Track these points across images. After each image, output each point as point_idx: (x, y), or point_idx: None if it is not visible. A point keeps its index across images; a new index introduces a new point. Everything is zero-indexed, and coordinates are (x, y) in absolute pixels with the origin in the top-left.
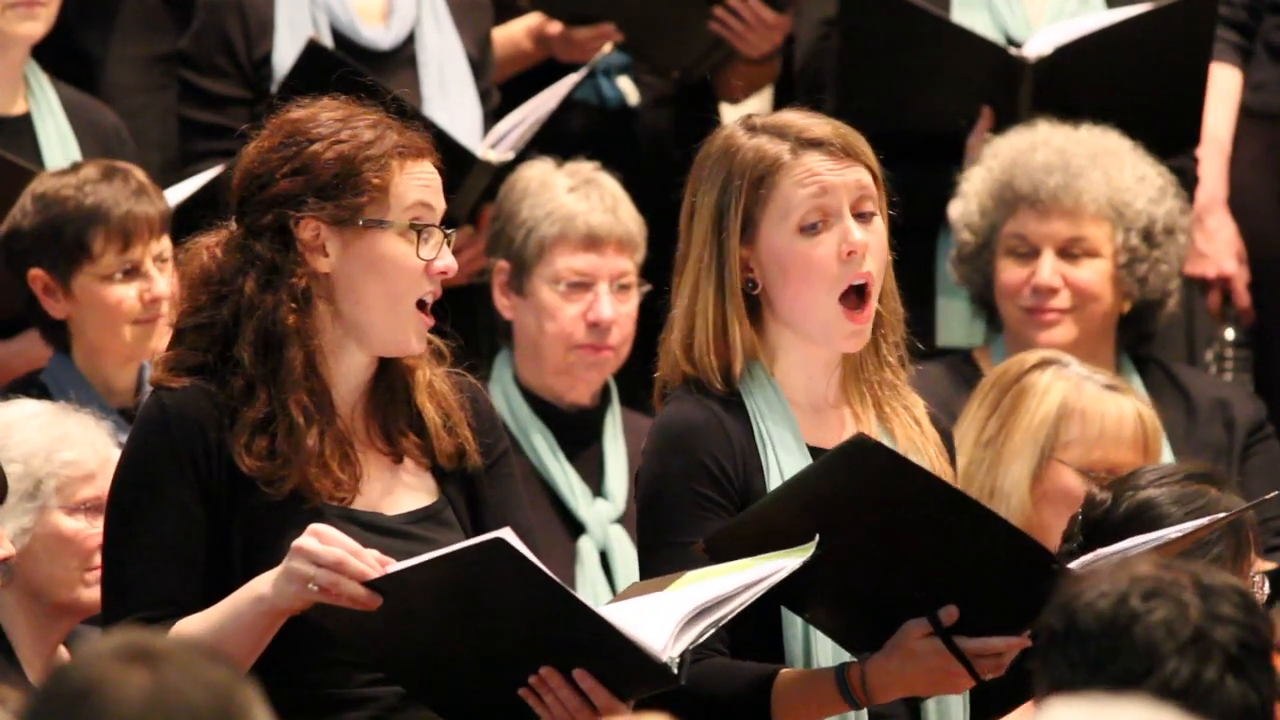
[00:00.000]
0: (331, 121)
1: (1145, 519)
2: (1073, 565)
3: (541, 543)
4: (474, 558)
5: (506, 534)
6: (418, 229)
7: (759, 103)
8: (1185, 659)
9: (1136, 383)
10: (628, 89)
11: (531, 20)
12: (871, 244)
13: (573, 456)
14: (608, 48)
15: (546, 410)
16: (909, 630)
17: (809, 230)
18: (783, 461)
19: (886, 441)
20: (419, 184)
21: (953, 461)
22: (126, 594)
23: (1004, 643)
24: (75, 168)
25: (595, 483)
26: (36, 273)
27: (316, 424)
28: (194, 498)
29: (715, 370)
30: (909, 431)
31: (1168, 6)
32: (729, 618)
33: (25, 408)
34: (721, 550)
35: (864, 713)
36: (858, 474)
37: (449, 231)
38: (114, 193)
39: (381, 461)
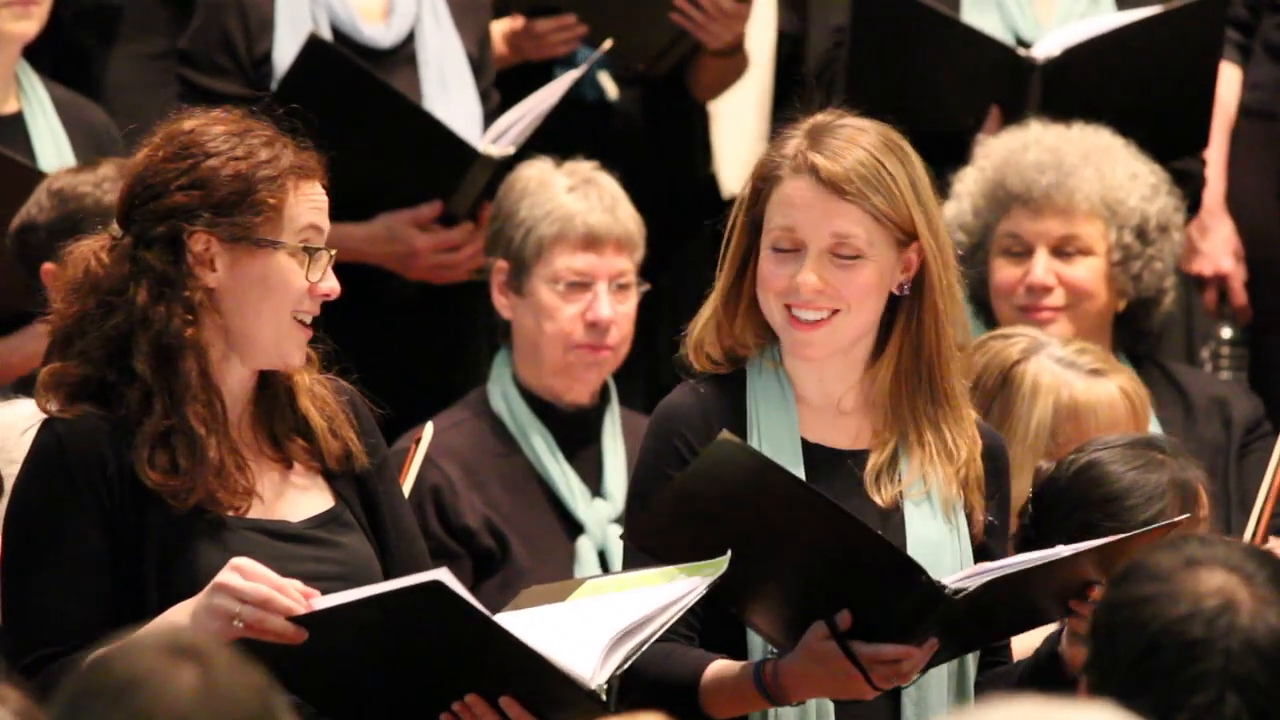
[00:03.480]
0: (227, 136)
1: (1091, 476)
2: (948, 581)
3: (540, 543)
4: (409, 599)
5: (443, 575)
6: (310, 251)
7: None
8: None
9: None
10: (607, 84)
11: (506, 24)
12: (839, 285)
13: (571, 456)
14: (571, 31)
15: (545, 410)
16: (813, 632)
17: (779, 250)
18: (767, 450)
19: (902, 469)
20: (311, 206)
21: (998, 514)
22: (30, 631)
23: (895, 650)
24: (93, 165)
25: (594, 482)
26: (49, 267)
27: (215, 434)
28: (95, 529)
29: (703, 355)
30: (928, 466)
31: (1177, 9)
32: (653, 639)
33: (26, 407)
34: (643, 538)
35: (829, 706)
36: (722, 471)
37: (332, 252)
38: None
39: (272, 469)
